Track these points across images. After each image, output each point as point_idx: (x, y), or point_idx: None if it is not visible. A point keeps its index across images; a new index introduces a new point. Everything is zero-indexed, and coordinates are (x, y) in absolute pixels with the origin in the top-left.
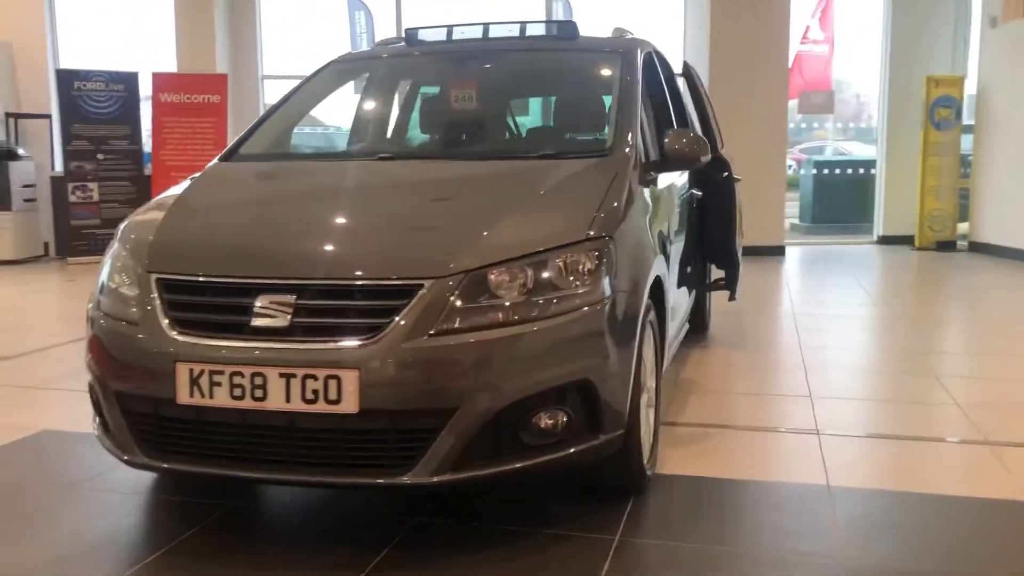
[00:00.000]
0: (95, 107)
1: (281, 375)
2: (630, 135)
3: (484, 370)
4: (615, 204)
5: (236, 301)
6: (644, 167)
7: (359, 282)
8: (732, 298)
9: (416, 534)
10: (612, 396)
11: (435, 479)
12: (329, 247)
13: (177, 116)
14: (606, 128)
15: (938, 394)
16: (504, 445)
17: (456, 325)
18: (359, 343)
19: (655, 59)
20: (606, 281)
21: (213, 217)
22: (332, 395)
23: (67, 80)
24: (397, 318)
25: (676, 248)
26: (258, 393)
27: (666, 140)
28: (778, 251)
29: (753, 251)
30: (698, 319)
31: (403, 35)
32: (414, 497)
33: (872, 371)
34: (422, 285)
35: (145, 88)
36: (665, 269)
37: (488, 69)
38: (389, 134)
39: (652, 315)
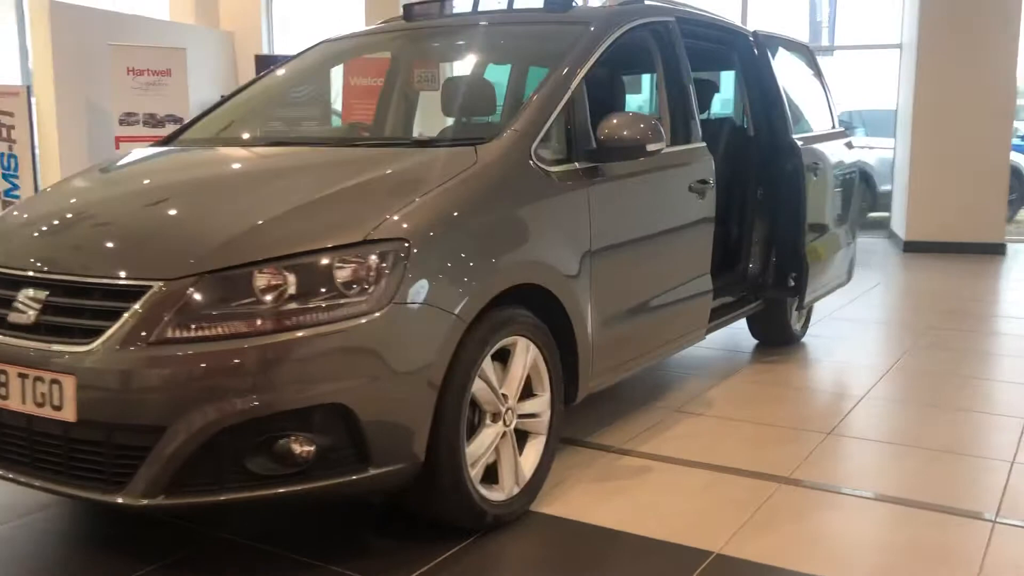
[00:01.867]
0: None
1: (19, 375)
2: (529, 120)
3: (196, 387)
4: (436, 202)
5: (3, 293)
6: (565, 156)
7: (91, 280)
8: (800, 306)
9: (203, 552)
10: (387, 424)
11: (145, 502)
12: (82, 242)
13: (365, 99)
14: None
15: (996, 435)
16: (226, 472)
17: (179, 334)
18: (78, 347)
19: (671, 31)
20: (392, 290)
21: (38, 207)
22: (56, 400)
23: (264, 65)
24: (119, 322)
25: (648, 249)
26: (2, 391)
27: (604, 125)
28: (996, 249)
29: (963, 248)
30: (774, 328)
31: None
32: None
33: (931, 406)
34: (151, 286)
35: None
36: (566, 275)
37: (440, 49)
38: (328, 118)
39: (532, 329)
